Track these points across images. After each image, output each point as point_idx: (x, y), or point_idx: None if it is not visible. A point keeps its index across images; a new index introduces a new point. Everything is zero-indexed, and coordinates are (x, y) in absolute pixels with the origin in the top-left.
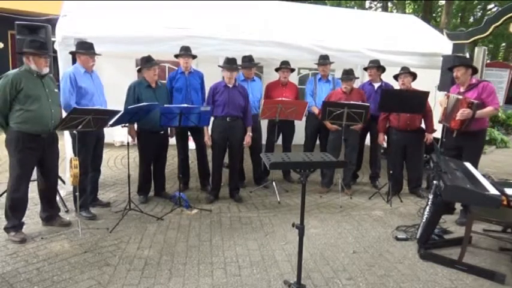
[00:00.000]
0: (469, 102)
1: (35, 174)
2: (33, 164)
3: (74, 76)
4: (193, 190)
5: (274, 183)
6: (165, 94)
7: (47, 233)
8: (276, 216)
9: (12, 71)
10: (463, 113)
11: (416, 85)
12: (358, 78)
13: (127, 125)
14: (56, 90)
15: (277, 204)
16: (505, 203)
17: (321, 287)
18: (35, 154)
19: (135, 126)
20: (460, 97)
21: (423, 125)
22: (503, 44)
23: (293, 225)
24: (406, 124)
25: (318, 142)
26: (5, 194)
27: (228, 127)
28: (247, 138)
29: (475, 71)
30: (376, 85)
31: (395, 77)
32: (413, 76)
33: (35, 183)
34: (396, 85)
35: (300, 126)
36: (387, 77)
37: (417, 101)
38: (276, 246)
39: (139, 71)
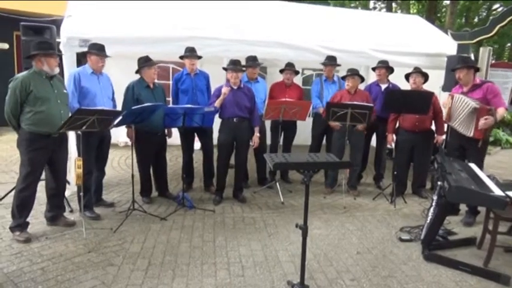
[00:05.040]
0: (488, 110)
1: (43, 174)
2: (43, 163)
3: (78, 76)
4: (196, 190)
5: (277, 184)
6: (162, 94)
7: (51, 232)
8: (279, 216)
9: (21, 74)
10: (486, 121)
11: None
12: (363, 80)
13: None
14: (65, 91)
15: (281, 205)
16: None
17: None
18: (45, 153)
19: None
20: (478, 106)
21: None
22: (509, 44)
23: (296, 225)
24: (414, 125)
25: (324, 143)
26: (10, 194)
27: (235, 128)
28: (255, 139)
29: (477, 70)
30: (384, 86)
31: (407, 76)
32: (425, 77)
33: (42, 182)
34: (404, 86)
35: (305, 127)
36: (393, 78)
37: (422, 102)
38: (279, 246)
39: (137, 72)
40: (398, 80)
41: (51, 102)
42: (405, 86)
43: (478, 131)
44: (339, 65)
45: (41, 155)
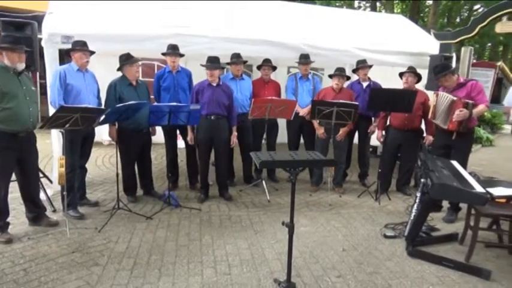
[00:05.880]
0: (464, 103)
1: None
2: (12, 164)
3: (64, 73)
4: (182, 189)
5: (263, 182)
6: (146, 92)
7: (33, 233)
8: (265, 214)
9: None
10: (459, 113)
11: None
12: (349, 78)
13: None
14: (33, 88)
15: (267, 203)
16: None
17: (310, 285)
18: (13, 154)
19: (116, 126)
20: (455, 98)
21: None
22: (489, 44)
23: (283, 223)
24: (403, 123)
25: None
26: None
27: (212, 125)
28: (233, 138)
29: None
30: (365, 84)
31: (401, 75)
32: (418, 77)
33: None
34: (388, 84)
35: (283, 124)
36: (376, 77)
37: (406, 100)
38: (265, 244)
39: (119, 69)
40: (379, 78)
41: (19, 99)
42: (386, 84)
43: (452, 122)
44: (313, 62)
45: (9, 156)
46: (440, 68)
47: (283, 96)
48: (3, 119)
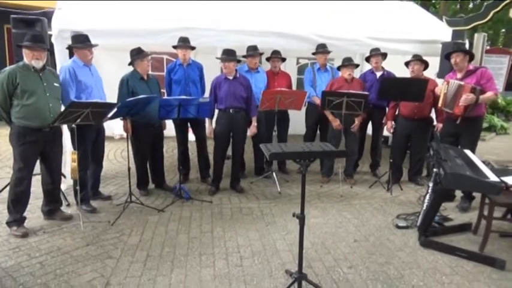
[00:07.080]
0: (472, 88)
1: (38, 169)
2: (34, 157)
3: (73, 70)
4: (193, 182)
5: (274, 174)
6: (157, 86)
7: (48, 226)
8: (276, 206)
9: (9, 67)
10: (466, 98)
11: None
12: (358, 65)
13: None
14: (56, 84)
15: (278, 195)
16: None
17: (322, 276)
18: (36, 147)
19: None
20: (462, 83)
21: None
22: (503, 30)
23: (294, 215)
24: (413, 112)
25: (318, 133)
26: (7, 189)
27: (231, 119)
28: (253, 129)
29: (471, 57)
30: (378, 74)
31: (406, 64)
32: (425, 64)
33: (38, 177)
34: (399, 74)
35: (299, 116)
36: (389, 66)
37: (417, 89)
38: (277, 236)
39: (130, 64)
40: (392, 67)
41: (39, 95)
42: (400, 73)
43: (458, 107)
44: (330, 52)
45: (32, 149)
46: (457, 46)
47: (294, 87)
48: (24, 115)
